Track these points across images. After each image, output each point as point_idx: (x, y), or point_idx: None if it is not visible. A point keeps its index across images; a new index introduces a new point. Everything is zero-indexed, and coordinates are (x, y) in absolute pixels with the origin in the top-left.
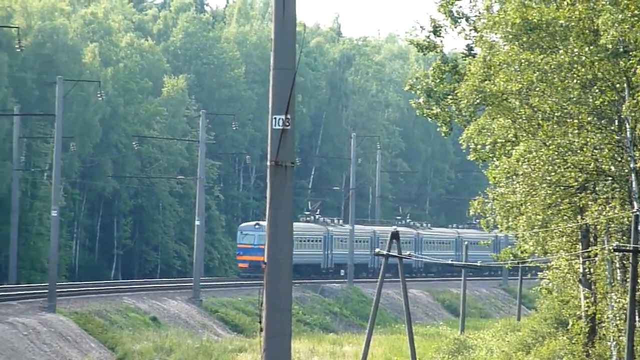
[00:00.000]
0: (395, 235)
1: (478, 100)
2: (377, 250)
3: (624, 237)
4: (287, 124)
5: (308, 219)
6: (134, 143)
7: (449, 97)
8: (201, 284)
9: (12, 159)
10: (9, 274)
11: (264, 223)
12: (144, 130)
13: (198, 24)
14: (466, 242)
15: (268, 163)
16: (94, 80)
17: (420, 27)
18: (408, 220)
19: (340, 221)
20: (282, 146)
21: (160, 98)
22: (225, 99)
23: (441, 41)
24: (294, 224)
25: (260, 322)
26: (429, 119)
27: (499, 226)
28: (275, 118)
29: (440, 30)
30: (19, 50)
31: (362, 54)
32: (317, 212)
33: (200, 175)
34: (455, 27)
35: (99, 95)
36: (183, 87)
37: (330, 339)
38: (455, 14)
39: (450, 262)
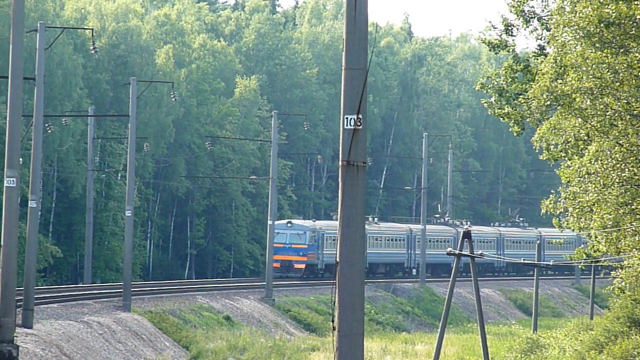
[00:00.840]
0: (467, 235)
1: (549, 102)
2: (449, 249)
3: None
4: (359, 123)
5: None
6: (206, 143)
7: (521, 96)
8: (274, 283)
9: (87, 160)
10: (84, 273)
11: (297, 222)
12: (216, 131)
13: (270, 25)
14: (538, 241)
15: (340, 163)
16: (167, 81)
17: (492, 26)
18: (447, 219)
19: (376, 219)
20: (354, 146)
21: (233, 99)
22: (297, 99)
23: (513, 40)
24: (325, 221)
25: (333, 321)
26: (501, 119)
27: (570, 226)
28: (347, 118)
29: (512, 29)
30: (93, 51)
31: (433, 53)
32: None
33: (272, 175)
34: (527, 27)
35: (172, 96)
36: (255, 88)
37: (403, 338)
38: (527, 14)
39: (522, 260)
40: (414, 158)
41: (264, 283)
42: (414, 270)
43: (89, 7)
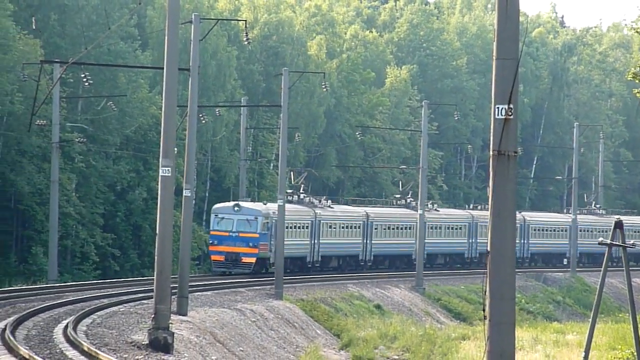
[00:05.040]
0: (619, 225)
1: None
2: (600, 239)
3: None
4: (510, 113)
5: (290, 198)
6: (357, 133)
7: None
8: (424, 272)
9: (240, 149)
10: None
11: (246, 204)
12: (367, 121)
13: (422, 16)
14: None
15: (491, 152)
16: (319, 71)
17: None
18: (599, 209)
19: (329, 202)
20: (505, 135)
21: (384, 89)
22: (447, 89)
23: None
24: (273, 204)
25: (484, 310)
26: None
27: None
28: (498, 108)
29: None
30: (246, 43)
31: (584, 43)
32: (301, 191)
33: (422, 164)
34: None
35: (323, 86)
36: (406, 78)
37: (554, 327)
38: None
39: None
40: (565, 148)
41: (414, 272)
42: (565, 259)
43: None
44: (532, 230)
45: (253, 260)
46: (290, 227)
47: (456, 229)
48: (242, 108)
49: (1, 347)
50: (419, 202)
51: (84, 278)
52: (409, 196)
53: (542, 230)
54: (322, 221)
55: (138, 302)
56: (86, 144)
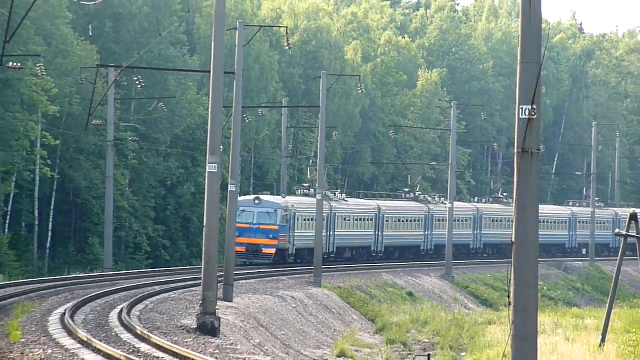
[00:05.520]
0: (634, 217)
1: None
2: (617, 230)
3: None
4: (533, 113)
5: (307, 192)
6: (390, 132)
7: None
8: (453, 261)
9: (281, 147)
10: None
11: (266, 198)
12: (399, 120)
13: (451, 22)
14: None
15: (515, 150)
16: (355, 74)
17: None
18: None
19: (343, 195)
20: (529, 134)
21: (415, 90)
22: (475, 91)
23: None
24: (295, 197)
25: (509, 297)
26: None
27: None
28: (522, 108)
29: None
30: (287, 48)
31: (601, 48)
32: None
33: (451, 161)
34: None
35: (359, 88)
36: (436, 81)
37: (573, 313)
38: None
39: None
40: (584, 146)
41: (444, 262)
42: (584, 250)
43: (283, 7)
44: None
45: (273, 251)
46: (308, 220)
47: (462, 221)
48: (283, 109)
49: (61, 331)
50: (448, 197)
51: (136, 267)
52: (417, 190)
53: (541, 222)
54: (337, 214)
55: (187, 289)
56: (139, 142)
